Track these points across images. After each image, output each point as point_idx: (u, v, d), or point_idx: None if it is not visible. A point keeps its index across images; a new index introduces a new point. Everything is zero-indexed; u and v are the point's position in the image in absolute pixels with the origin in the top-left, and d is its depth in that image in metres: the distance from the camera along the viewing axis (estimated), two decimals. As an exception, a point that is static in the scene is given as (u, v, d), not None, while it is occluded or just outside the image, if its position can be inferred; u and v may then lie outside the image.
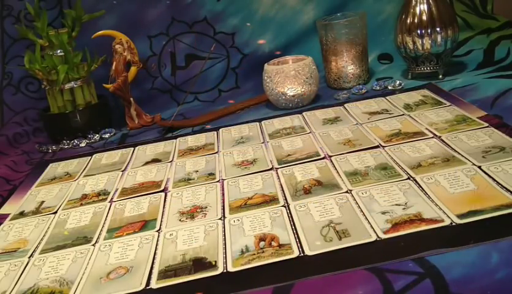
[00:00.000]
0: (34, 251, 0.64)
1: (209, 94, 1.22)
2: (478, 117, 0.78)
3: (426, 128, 0.78)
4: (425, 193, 0.60)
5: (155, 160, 0.87)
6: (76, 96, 1.08)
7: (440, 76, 1.01)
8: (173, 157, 0.87)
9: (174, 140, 0.95)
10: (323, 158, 0.75)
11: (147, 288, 0.52)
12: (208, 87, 1.23)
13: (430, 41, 0.98)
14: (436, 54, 0.99)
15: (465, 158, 0.66)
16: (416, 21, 0.98)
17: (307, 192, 0.66)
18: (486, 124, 0.75)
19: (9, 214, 0.76)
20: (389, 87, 1.01)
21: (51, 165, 0.94)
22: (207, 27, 1.23)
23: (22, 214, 0.75)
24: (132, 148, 0.95)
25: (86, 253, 0.61)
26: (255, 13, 1.23)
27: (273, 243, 0.56)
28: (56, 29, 1.07)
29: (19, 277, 0.58)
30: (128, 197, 0.74)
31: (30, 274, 0.59)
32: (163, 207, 0.69)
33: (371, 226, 0.55)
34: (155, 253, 0.58)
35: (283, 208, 0.63)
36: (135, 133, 1.06)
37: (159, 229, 0.63)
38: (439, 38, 0.97)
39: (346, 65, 1.06)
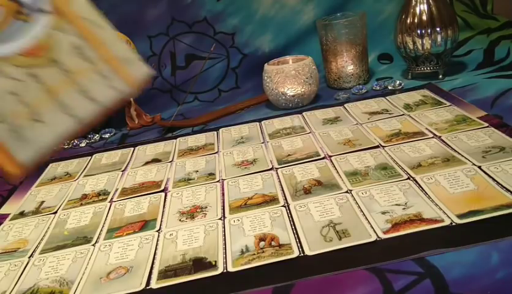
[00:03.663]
0: (34, 251, 0.64)
1: (209, 94, 1.22)
2: (477, 117, 0.78)
3: (426, 128, 0.78)
4: (425, 193, 0.60)
5: (155, 160, 0.87)
6: (76, 96, 1.08)
7: (440, 76, 1.01)
8: (173, 157, 0.87)
9: (174, 140, 0.95)
10: (323, 158, 0.75)
11: (147, 288, 0.52)
12: (208, 87, 1.23)
13: (430, 41, 0.98)
14: (436, 54, 0.99)
15: (465, 158, 0.66)
16: (416, 21, 0.98)
17: (307, 192, 0.66)
18: (486, 124, 0.75)
19: (9, 214, 0.76)
20: (389, 87, 1.01)
21: (51, 165, 0.94)
22: (207, 27, 1.23)
23: (22, 214, 0.75)
24: (132, 148, 0.95)
25: (86, 253, 0.61)
26: (255, 13, 1.23)
27: (273, 243, 0.56)
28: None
29: (19, 277, 0.58)
30: (128, 197, 0.74)
31: (30, 274, 0.59)
32: (163, 207, 0.69)
33: (371, 226, 0.55)
34: (155, 253, 0.58)
35: (283, 208, 0.63)
36: (135, 133, 1.06)
37: (159, 229, 0.63)
38: (439, 38, 0.97)
39: (346, 65, 1.06)
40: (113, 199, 0.74)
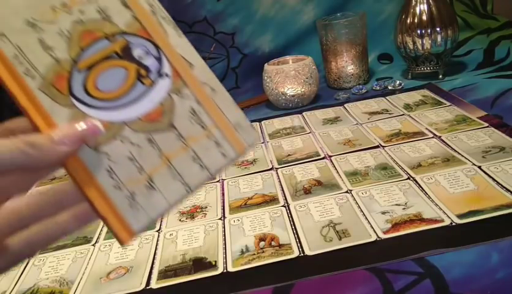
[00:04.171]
0: (34, 251, 0.64)
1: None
2: (477, 117, 0.78)
3: (426, 128, 0.78)
4: (425, 193, 0.60)
5: (155, 160, 0.87)
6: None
7: (440, 76, 1.01)
8: (173, 157, 0.87)
9: (174, 140, 0.95)
10: (323, 158, 0.75)
11: (147, 288, 0.52)
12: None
13: (430, 41, 0.98)
14: (436, 54, 0.99)
15: (465, 158, 0.66)
16: (416, 21, 0.98)
17: (307, 192, 0.66)
18: (486, 124, 0.75)
19: (9, 214, 0.76)
20: (389, 87, 1.01)
21: (51, 165, 0.94)
22: (207, 27, 1.23)
23: (22, 214, 0.75)
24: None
25: (86, 253, 0.61)
26: (255, 13, 1.23)
27: (273, 243, 0.56)
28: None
29: (19, 277, 0.58)
30: (128, 197, 0.74)
31: (30, 274, 0.59)
32: (163, 207, 0.69)
33: (371, 226, 0.55)
34: (155, 253, 0.58)
35: (283, 208, 0.63)
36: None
37: (159, 229, 0.63)
38: (439, 38, 0.97)
39: (346, 65, 1.06)
40: (113, 199, 0.74)
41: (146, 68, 0.34)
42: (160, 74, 0.34)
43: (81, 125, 0.30)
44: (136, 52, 0.34)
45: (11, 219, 0.31)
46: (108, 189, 0.31)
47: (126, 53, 0.34)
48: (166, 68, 0.34)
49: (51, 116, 0.31)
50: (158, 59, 0.34)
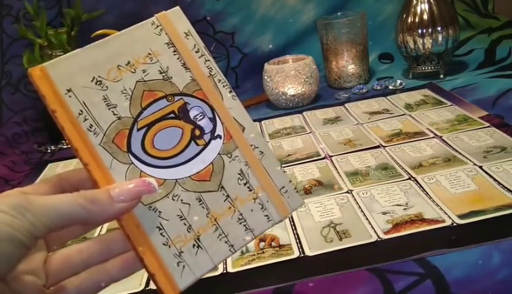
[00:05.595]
0: (33, 251, 0.63)
1: (209, 94, 1.22)
2: (479, 117, 0.78)
3: (427, 128, 0.78)
4: (426, 194, 0.59)
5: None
6: (76, 96, 1.07)
7: (441, 76, 1.01)
8: (173, 156, 0.87)
9: (174, 140, 0.94)
10: (323, 158, 0.75)
11: (147, 288, 0.52)
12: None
13: (431, 41, 0.97)
14: (437, 53, 0.99)
15: (466, 158, 0.66)
16: (417, 20, 0.98)
17: (308, 192, 0.65)
18: (487, 124, 0.75)
19: (8, 214, 0.75)
20: (390, 87, 1.01)
21: (50, 165, 0.93)
22: (207, 27, 1.23)
23: (21, 214, 0.75)
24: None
25: (85, 254, 0.60)
26: (255, 12, 1.23)
27: (273, 244, 0.56)
28: (55, 29, 1.07)
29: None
30: (127, 197, 0.74)
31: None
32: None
33: (372, 226, 0.55)
34: (154, 254, 0.58)
35: (284, 208, 0.62)
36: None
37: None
38: (440, 37, 0.97)
39: (347, 65, 1.06)
40: (113, 200, 0.74)
41: (201, 129, 0.35)
42: (213, 135, 0.35)
43: (138, 183, 0.31)
44: (193, 113, 0.35)
45: (62, 265, 0.32)
46: (158, 246, 0.32)
47: (183, 114, 0.34)
48: (219, 130, 0.35)
49: (110, 172, 0.32)
50: (213, 121, 0.35)
